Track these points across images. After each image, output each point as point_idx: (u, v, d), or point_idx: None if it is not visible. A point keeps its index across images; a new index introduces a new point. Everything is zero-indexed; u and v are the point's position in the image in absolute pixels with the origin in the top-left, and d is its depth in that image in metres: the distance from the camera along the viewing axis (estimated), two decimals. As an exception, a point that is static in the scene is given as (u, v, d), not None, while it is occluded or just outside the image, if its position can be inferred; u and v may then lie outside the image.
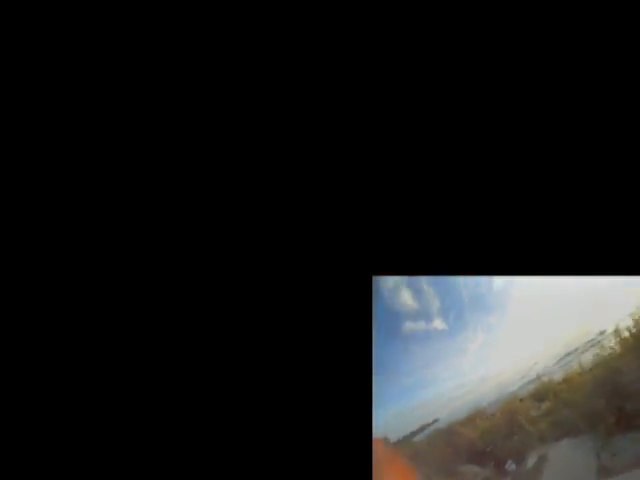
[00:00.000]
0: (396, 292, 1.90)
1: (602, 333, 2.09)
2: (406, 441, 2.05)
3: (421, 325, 1.98)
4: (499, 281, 2.01)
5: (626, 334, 1.85)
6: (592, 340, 2.08)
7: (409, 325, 1.96)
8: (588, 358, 2.03)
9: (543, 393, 2.13)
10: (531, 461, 1.94)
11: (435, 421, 2.13)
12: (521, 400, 2.20)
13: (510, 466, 1.97)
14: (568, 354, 2.15)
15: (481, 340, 2.12)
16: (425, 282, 1.90)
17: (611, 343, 1.91)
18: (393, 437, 1.96)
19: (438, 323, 2.01)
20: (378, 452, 1.54)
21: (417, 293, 1.92)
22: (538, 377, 2.21)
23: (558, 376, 2.13)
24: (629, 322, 1.82)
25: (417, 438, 2.09)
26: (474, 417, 2.19)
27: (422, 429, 2.09)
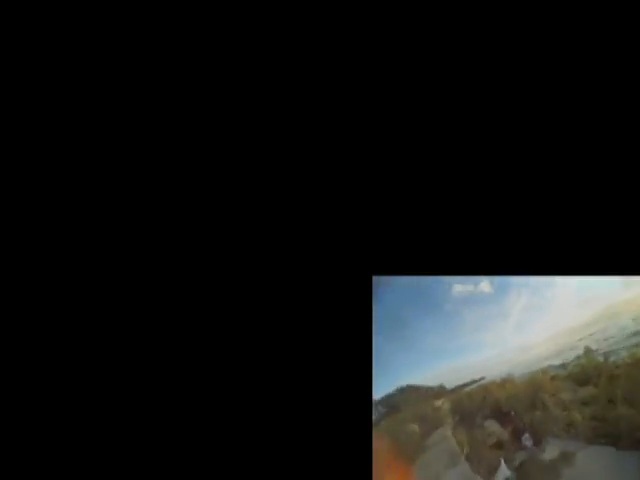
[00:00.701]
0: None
1: None
2: (458, 390, 2.14)
3: (469, 288, 1.92)
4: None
5: None
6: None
7: (458, 288, 1.92)
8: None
9: (590, 375, 1.81)
10: (550, 452, 1.75)
11: (482, 378, 2.15)
12: (552, 378, 1.94)
13: (526, 440, 1.84)
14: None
15: (524, 303, 1.85)
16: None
17: None
18: (449, 385, 2.11)
19: (485, 286, 1.93)
20: (378, 452, 1.52)
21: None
22: (589, 352, 1.87)
23: (622, 357, 1.76)
24: None
25: (467, 389, 2.16)
26: (506, 382, 2.07)
27: (472, 383, 2.17)
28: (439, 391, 2.09)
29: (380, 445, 1.61)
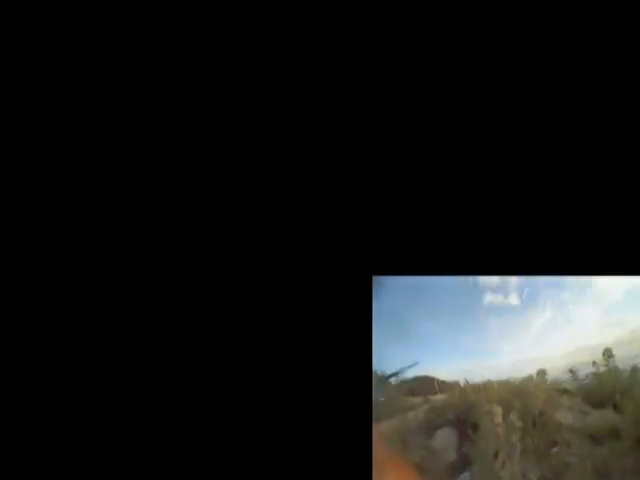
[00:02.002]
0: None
1: None
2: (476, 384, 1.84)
3: (499, 298, 1.73)
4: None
5: None
6: None
7: (489, 297, 1.73)
8: None
9: (609, 392, 1.42)
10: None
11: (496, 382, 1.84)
12: (565, 392, 1.59)
13: None
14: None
15: (549, 316, 1.69)
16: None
17: None
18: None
19: (513, 298, 1.74)
20: (378, 452, 1.49)
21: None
22: (609, 356, 1.52)
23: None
24: None
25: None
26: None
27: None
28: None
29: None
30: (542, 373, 1.68)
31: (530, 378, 1.67)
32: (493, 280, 1.69)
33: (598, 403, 1.49)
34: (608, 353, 1.58)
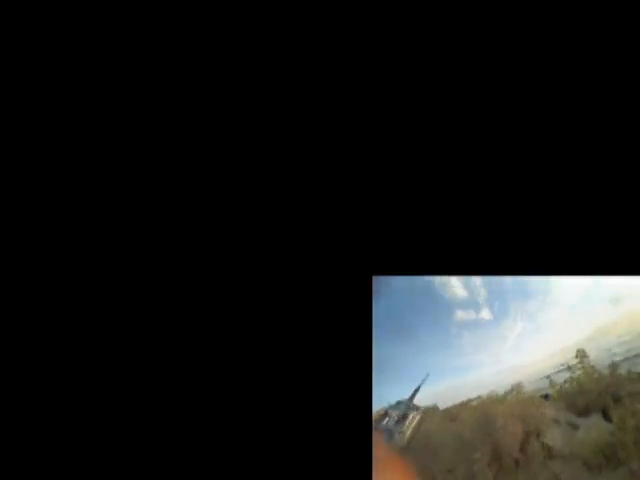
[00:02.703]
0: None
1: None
2: (448, 411, 1.93)
3: (471, 314, 1.83)
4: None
5: None
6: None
7: (460, 314, 1.83)
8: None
9: (593, 396, 1.39)
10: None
11: (478, 397, 1.90)
12: (546, 397, 1.58)
13: None
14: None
15: (520, 328, 1.80)
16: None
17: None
18: (442, 406, 1.96)
19: (485, 313, 1.85)
20: (378, 452, 1.48)
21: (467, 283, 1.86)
22: (584, 357, 1.52)
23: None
24: None
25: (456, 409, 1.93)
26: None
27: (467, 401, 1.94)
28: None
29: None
30: (519, 386, 1.67)
31: (507, 394, 1.68)
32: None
33: (583, 409, 1.47)
34: (582, 354, 1.59)
